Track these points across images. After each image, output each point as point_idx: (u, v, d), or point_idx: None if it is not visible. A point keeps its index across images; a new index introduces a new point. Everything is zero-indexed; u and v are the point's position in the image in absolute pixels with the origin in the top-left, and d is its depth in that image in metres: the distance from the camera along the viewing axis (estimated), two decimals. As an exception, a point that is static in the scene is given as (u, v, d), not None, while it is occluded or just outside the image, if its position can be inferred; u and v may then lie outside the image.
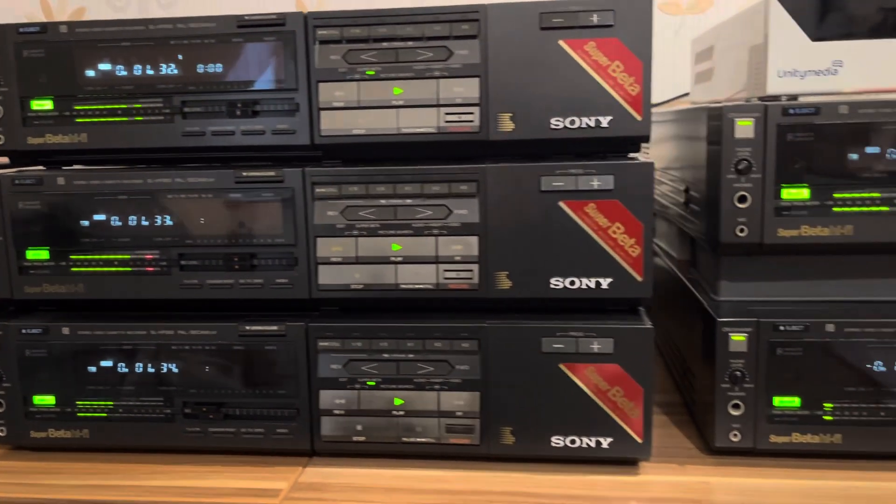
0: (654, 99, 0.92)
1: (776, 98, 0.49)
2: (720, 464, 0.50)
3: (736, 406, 0.49)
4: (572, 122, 0.48)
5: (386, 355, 0.49)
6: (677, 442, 0.53)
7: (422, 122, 0.49)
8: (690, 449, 0.52)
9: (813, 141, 0.46)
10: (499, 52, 0.48)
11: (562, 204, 0.47)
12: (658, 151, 0.72)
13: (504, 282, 0.49)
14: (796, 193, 0.47)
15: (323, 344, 0.49)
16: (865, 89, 0.50)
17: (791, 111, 0.45)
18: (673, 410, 0.58)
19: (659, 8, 0.93)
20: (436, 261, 0.49)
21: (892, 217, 0.46)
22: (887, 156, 0.46)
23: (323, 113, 0.49)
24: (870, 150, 0.46)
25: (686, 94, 0.83)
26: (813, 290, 0.50)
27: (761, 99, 0.49)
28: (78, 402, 0.52)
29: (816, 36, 0.49)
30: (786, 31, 0.49)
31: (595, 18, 0.47)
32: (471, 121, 0.49)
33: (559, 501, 0.45)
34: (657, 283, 0.60)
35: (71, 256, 0.51)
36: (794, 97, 0.50)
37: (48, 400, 0.52)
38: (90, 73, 0.50)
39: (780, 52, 0.49)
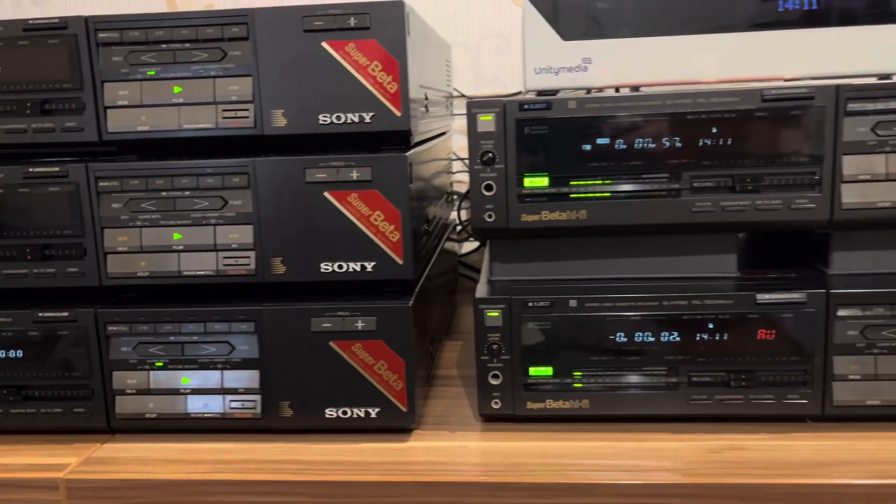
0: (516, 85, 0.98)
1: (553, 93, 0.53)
2: (487, 430, 0.54)
3: (495, 376, 0.53)
4: (338, 118, 0.52)
5: (172, 338, 0.53)
6: (462, 412, 0.58)
7: (201, 119, 0.52)
8: (469, 417, 0.57)
9: (547, 134, 0.50)
10: (268, 53, 0.51)
11: (327, 194, 0.51)
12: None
13: (279, 267, 0.52)
14: (537, 182, 0.51)
15: (112, 328, 0.53)
16: (613, 84, 0.55)
17: (526, 106, 0.50)
18: (470, 383, 0.63)
19: (513, 1, 0.97)
20: (215, 249, 0.52)
21: (619, 203, 0.51)
22: (615, 147, 0.50)
23: (109, 111, 0.53)
24: (600, 141, 0.50)
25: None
26: (558, 270, 0.55)
27: (524, 94, 0.54)
28: None
29: (567, 36, 0.54)
30: (540, 32, 0.54)
31: (352, 21, 0.51)
32: (246, 117, 0.52)
33: (324, 466, 0.50)
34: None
35: None
36: (552, 92, 0.54)
37: None
38: None
39: (535, 51, 0.54)
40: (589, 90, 0.54)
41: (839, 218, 0.49)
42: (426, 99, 0.62)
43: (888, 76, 0.53)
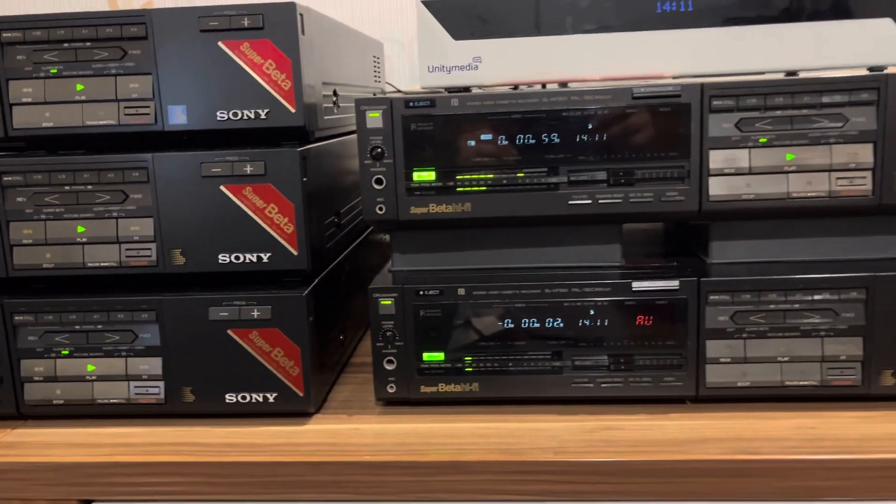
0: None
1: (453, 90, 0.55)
2: (383, 413, 0.57)
3: (390, 362, 0.56)
4: (235, 115, 0.54)
5: (77, 327, 0.55)
6: (365, 397, 0.60)
7: (104, 116, 0.54)
8: (370, 402, 0.59)
9: (433, 130, 0.52)
10: (166, 51, 0.53)
11: (223, 188, 0.53)
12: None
13: (178, 258, 0.54)
14: (425, 176, 0.53)
15: (18, 318, 0.55)
16: (502, 82, 0.57)
17: (411, 104, 0.52)
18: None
19: None
20: (117, 241, 0.54)
21: (501, 196, 0.53)
22: (497, 142, 0.53)
23: (14, 108, 0.54)
24: (483, 136, 0.53)
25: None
26: (456, 260, 0.57)
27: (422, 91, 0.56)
28: None
29: (458, 36, 0.56)
30: (432, 32, 0.56)
31: (246, 22, 0.53)
32: (147, 113, 0.54)
33: (220, 448, 0.52)
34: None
35: None
36: (452, 90, 0.56)
37: None
38: None
39: (429, 50, 0.56)
40: (481, 87, 0.57)
41: (707, 209, 0.52)
42: (335, 95, 0.64)
43: (760, 73, 0.56)
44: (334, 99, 0.64)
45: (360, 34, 0.79)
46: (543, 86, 0.58)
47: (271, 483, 0.51)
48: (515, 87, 0.58)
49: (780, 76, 0.55)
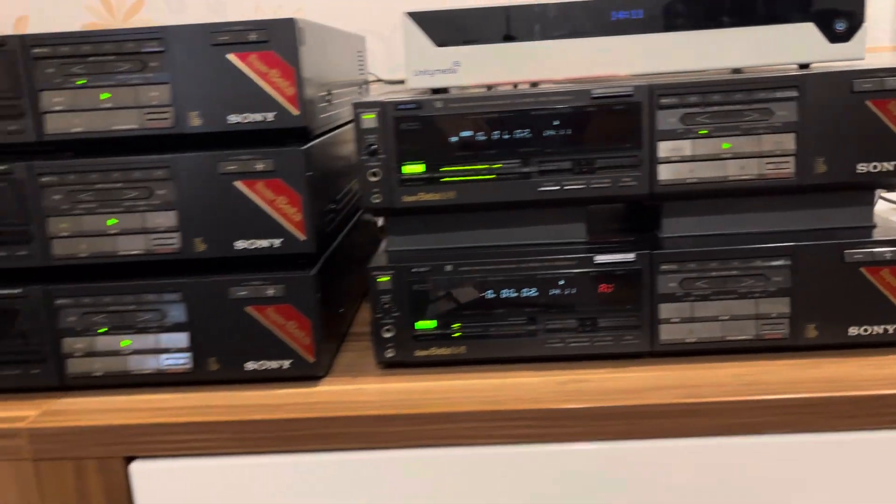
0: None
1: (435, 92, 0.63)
2: (384, 374, 0.65)
3: (388, 330, 0.64)
4: (245, 118, 0.61)
5: (112, 308, 0.62)
6: (367, 361, 0.68)
7: (127, 122, 0.61)
8: (372, 366, 0.67)
9: (420, 128, 0.60)
10: (184, 63, 0.60)
11: (237, 183, 0.61)
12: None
13: (200, 245, 0.62)
14: (414, 169, 0.61)
15: (59, 302, 0.62)
16: (478, 83, 0.65)
17: (401, 107, 0.60)
18: (377, 338, 0.74)
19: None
20: (144, 231, 0.62)
21: (481, 184, 0.61)
22: (476, 138, 0.61)
23: (47, 116, 0.61)
24: (463, 133, 0.60)
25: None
26: (443, 240, 0.66)
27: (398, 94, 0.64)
28: None
29: (440, 43, 0.63)
30: (417, 40, 0.63)
31: (253, 36, 0.60)
32: (166, 118, 0.61)
33: (244, 409, 0.60)
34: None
35: None
36: (436, 91, 0.64)
37: None
38: None
39: (414, 56, 0.64)
40: (460, 88, 0.64)
41: (657, 191, 0.61)
42: (329, 94, 0.72)
43: (704, 71, 0.65)
44: (328, 98, 0.71)
45: (346, 33, 0.86)
46: (515, 86, 0.66)
47: (290, 437, 0.59)
48: (490, 87, 0.66)
49: (722, 75, 0.63)
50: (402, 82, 1.06)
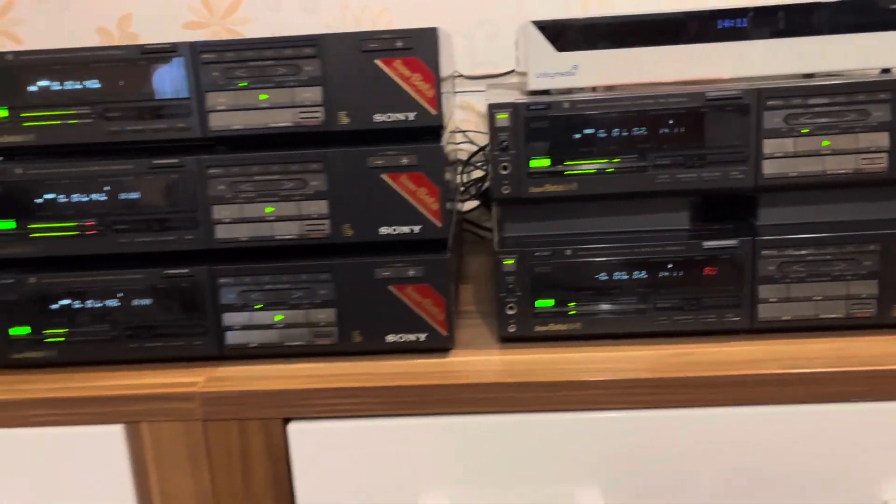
0: (507, 66, 1.14)
1: (543, 92, 0.70)
2: (505, 348, 0.73)
3: (511, 308, 0.71)
4: (389, 117, 0.68)
5: (268, 286, 0.70)
6: (484, 336, 0.76)
7: (283, 120, 0.68)
8: (489, 340, 0.75)
9: (548, 127, 0.67)
10: (335, 68, 0.67)
11: (383, 176, 0.68)
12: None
13: (348, 231, 0.69)
14: (541, 163, 0.68)
15: (222, 280, 0.70)
16: (594, 84, 0.71)
17: (532, 107, 0.66)
18: (484, 316, 0.81)
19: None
20: (298, 218, 0.69)
21: (601, 177, 0.68)
22: (598, 135, 0.67)
23: (210, 114, 0.68)
24: (586, 131, 0.67)
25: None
26: (561, 227, 0.73)
27: (525, 94, 0.70)
28: (45, 331, 0.71)
29: (560, 48, 0.70)
30: (539, 45, 0.70)
31: (399, 44, 0.66)
32: (317, 117, 0.68)
33: (387, 376, 0.68)
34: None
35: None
36: (546, 92, 0.71)
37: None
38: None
39: (536, 60, 0.70)
40: (579, 90, 0.71)
41: (761, 184, 0.67)
42: (448, 93, 0.78)
43: (804, 75, 0.71)
44: (448, 96, 0.78)
45: (449, 34, 0.92)
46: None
47: (429, 401, 0.67)
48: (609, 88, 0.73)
49: (822, 80, 0.70)
50: (483, 78, 1.13)
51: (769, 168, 0.67)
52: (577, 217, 0.72)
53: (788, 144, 0.66)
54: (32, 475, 0.69)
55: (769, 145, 0.66)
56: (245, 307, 0.70)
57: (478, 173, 1.13)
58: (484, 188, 1.10)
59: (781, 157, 0.66)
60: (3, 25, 1.18)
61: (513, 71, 1.10)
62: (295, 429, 0.68)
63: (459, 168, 1.10)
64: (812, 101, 0.66)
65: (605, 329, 0.71)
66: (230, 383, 0.68)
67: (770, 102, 0.66)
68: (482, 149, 1.10)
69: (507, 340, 0.73)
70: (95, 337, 0.71)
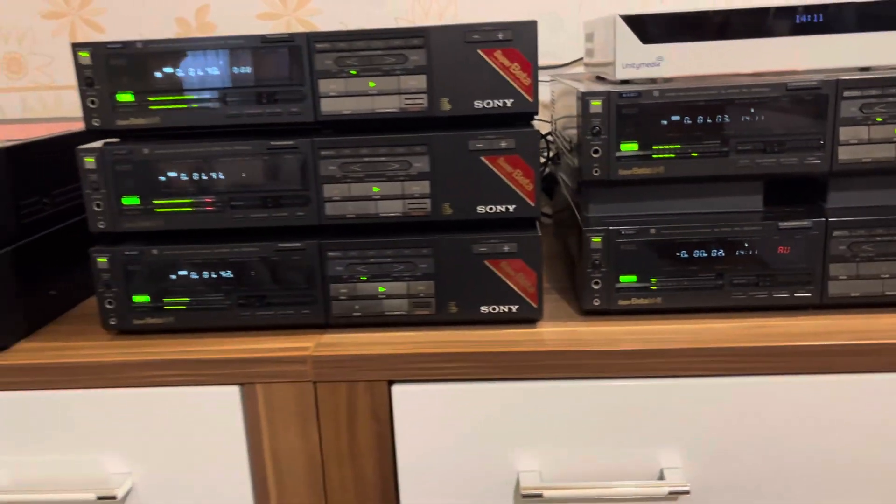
0: (568, 57, 1.19)
1: (625, 82, 0.75)
2: (588, 320, 0.78)
3: (596, 283, 0.76)
4: (488, 104, 0.73)
5: (372, 260, 0.75)
6: (566, 310, 0.81)
7: (389, 105, 0.74)
8: (571, 314, 0.80)
9: (638, 114, 0.72)
10: (439, 57, 0.72)
11: (482, 158, 0.73)
12: (565, 101, 0.97)
13: (447, 210, 0.75)
14: (630, 146, 0.73)
15: (330, 254, 0.75)
16: (678, 75, 0.76)
17: (623, 95, 0.71)
18: (561, 291, 0.86)
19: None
20: (402, 197, 0.74)
21: (686, 161, 0.73)
22: (684, 122, 0.72)
23: (322, 99, 0.74)
24: (674, 118, 0.72)
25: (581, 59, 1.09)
26: (642, 207, 0.78)
27: (612, 84, 0.75)
28: (165, 299, 0.77)
29: (645, 40, 0.75)
30: (626, 37, 0.75)
31: (500, 35, 0.72)
32: (421, 103, 0.73)
33: (484, 343, 0.73)
34: (565, 206, 0.87)
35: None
36: (627, 81, 0.76)
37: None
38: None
39: (623, 51, 0.75)
40: (663, 80, 0.76)
41: (837, 169, 0.72)
42: (533, 82, 0.84)
43: (868, 69, 0.76)
44: (533, 85, 0.83)
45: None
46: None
47: (524, 367, 0.72)
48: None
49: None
50: (547, 69, 1.18)
51: (844, 154, 0.72)
52: (656, 199, 0.77)
53: (863, 132, 0.71)
54: (153, 432, 0.76)
55: (845, 133, 0.71)
56: (351, 279, 0.76)
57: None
58: (545, 173, 1.15)
59: (856, 144, 0.71)
60: (86, 15, 1.25)
61: (575, 61, 1.15)
62: (398, 390, 0.73)
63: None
64: (887, 90, 0.70)
65: (684, 303, 0.76)
66: (339, 348, 0.74)
67: (847, 93, 0.70)
68: (544, 136, 1.15)
69: (591, 314, 0.79)
70: (211, 306, 0.77)
